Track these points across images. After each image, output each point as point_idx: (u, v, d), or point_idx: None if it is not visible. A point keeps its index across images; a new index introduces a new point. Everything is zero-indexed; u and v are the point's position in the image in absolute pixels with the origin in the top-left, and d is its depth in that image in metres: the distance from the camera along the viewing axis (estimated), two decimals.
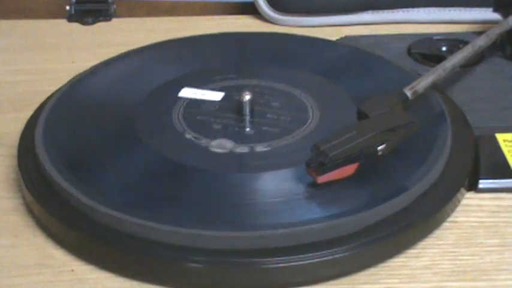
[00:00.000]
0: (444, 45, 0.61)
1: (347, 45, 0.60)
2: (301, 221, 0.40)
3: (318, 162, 0.41)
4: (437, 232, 0.43)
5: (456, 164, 0.46)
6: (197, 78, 0.54)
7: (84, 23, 0.70)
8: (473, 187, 0.46)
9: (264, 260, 0.39)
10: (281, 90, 0.52)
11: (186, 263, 0.39)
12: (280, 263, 0.39)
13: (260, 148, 0.46)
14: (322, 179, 0.42)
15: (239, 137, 0.47)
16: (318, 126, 0.48)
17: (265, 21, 0.70)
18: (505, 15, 0.58)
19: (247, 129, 0.48)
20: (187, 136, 0.47)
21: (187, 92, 0.50)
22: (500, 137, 0.49)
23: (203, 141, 0.47)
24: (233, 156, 0.46)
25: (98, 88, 0.53)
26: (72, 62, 0.63)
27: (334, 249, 0.39)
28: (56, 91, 0.54)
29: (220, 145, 0.45)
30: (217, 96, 0.51)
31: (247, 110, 0.49)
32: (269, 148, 0.46)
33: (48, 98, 0.53)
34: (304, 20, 0.69)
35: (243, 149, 0.46)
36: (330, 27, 0.68)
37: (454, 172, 0.45)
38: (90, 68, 0.55)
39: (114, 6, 0.72)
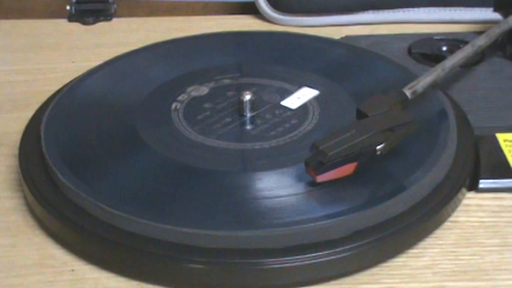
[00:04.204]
0: (444, 45, 0.61)
1: (349, 44, 0.60)
2: (301, 220, 0.40)
3: (317, 161, 0.41)
4: (438, 232, 0.43)
5: (458, 163, 0.46)
6: (199, 78, 0.54)
7: (84, 23, 0.70)
8: (473, 187, 0.46)
9: (265, 260, 0.39)
10: (282, 89, 0.52)
11: (186, 263, 0.39)
12: (280, 263, 0.39)
13: (260, 147, 0.46)
14: (321, 178, 0.42)
15: (239, 136, 0.47)
16: (318, 125, 0.48)
17: (266, 21, 0.70)
18: (505, 15, 0.58)
19: (248, 127, 0.48)
20: (189, 135, 0.47)
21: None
22: (501, 137, 0.49)
23: (204, 140, 0.47)
24: (234, 156, 0.46)
25: (101, 88, 0.53)
26: (73, 62, 0.63)
27: (335, 249, 0.39)
28: (58, 91, 0.54)
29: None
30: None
31: (247, 109, 0.49)
32: (269, 147, 0.46)
33: (50, 98, 0.53)
34: (304, 20, 0.69)
35: (243, 147, 0.46)
36: (330, 27, 0.68)
37: (456, 172, 0.45)
38: (92, 68, 0.55)
39: (115, 6, 0.72)
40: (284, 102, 0.50)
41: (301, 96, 0.50)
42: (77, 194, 0.42)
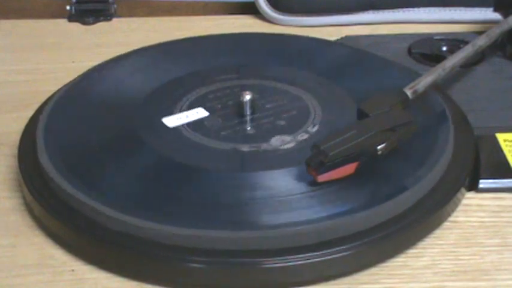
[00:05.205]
0: (444, 45, 0.61)
1: (348, 46, 0.60)
2: (302, 220, 0.40)
3: (318, 161, 0.41)
4: (438, 232, 0.43)
5: (457, 163, 0.46)
6: (198, 79, 0.54)
7: (84, 23, 0.70)
8: (473, 187, 0.46)
9: (265, 260, 0.39)
10: (282, 90, 0.52)
11: (186, 263, 0.39)
12: (280, 263, 0.39)
13: (261, 148, 0.46)
14: (322, 178, 0.42)
15: (240, 137, 0.47)
16: (319, 125, 0.48)
17: (266, 21, 0.70)
18: (505, 15, 0.59)
19: (248, 128, 0.48)
20: (188, 136, 0.47)
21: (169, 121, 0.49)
22: (501, 137, 0.49)
23: (204, 141, 0.47)
24: (234, 156, 0.46)
25: (99, 88, 0.53)
26: (73, 62, 0.63)
27: (334, 249, 0.39)
28: (57, 91, 0.54)
29: (282, 141, 0.45)
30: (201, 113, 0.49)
31: (247, 110, 0.49)
32: (270, 148, 0.46)
33: (49, 98, 0.53)
34: (304, 20, 0.69)
35: (243, 148, 0.46)
36: (330, 27, 0.68)
37: (455, 172, 0.45)
38: (91, 68, 0.55)
39: (115, 6, 0.72)
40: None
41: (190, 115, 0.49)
42: (74, 197, 0.42)
